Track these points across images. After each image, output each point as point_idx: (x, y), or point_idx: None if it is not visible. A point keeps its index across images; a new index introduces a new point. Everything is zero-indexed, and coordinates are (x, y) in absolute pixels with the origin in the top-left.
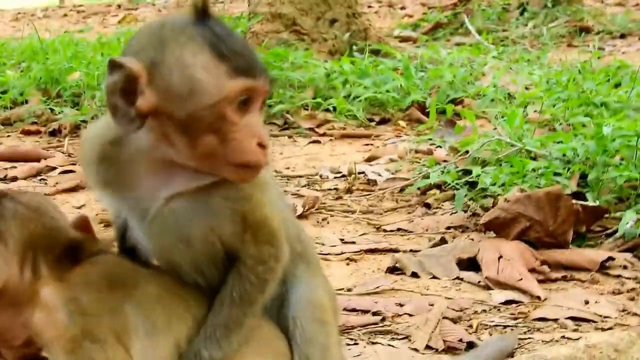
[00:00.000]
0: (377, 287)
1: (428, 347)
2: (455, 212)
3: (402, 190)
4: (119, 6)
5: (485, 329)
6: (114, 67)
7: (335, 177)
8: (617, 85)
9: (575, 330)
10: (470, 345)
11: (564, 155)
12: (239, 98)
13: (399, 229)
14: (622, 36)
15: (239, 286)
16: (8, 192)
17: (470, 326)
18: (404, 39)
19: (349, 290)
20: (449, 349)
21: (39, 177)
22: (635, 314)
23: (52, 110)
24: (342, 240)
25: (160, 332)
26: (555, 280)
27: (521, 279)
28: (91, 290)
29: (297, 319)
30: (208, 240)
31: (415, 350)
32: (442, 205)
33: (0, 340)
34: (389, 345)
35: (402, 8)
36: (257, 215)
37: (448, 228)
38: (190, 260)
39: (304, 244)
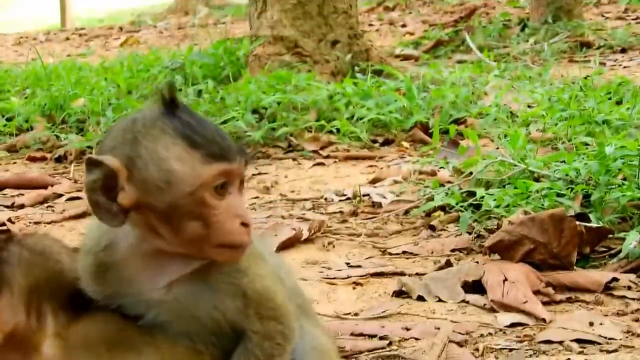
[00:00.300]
0: (384, 311)
1: None
2: (460, 235)
3: (406, 212)
4: (121, 29)
5: (492, 352)
6: (92, 165)
7: (340, 200)
8: (619, 103)
9: (580, 353)
10: None
11: (566, 175)
12: (215, 182)
13: (404, 252)
14: (623, 50)
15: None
16: (15, 236)
17: (477, 349)
18: (406, 57)
19: (356, 314)
20: None
21: (46, 205)
22: (639, 335)
23: (57, 136)
24: (348, 264)
25: None
26: (560, 302)
27: (526, 301)
28: (89, 355)
29: None
30: (214, 319)
31: None
32: (447, 227)
33: None
34: None
35: (403, 26)
36: (258, 288)
37: (453, 250)
38: (200, 337)
39: (302, 297)
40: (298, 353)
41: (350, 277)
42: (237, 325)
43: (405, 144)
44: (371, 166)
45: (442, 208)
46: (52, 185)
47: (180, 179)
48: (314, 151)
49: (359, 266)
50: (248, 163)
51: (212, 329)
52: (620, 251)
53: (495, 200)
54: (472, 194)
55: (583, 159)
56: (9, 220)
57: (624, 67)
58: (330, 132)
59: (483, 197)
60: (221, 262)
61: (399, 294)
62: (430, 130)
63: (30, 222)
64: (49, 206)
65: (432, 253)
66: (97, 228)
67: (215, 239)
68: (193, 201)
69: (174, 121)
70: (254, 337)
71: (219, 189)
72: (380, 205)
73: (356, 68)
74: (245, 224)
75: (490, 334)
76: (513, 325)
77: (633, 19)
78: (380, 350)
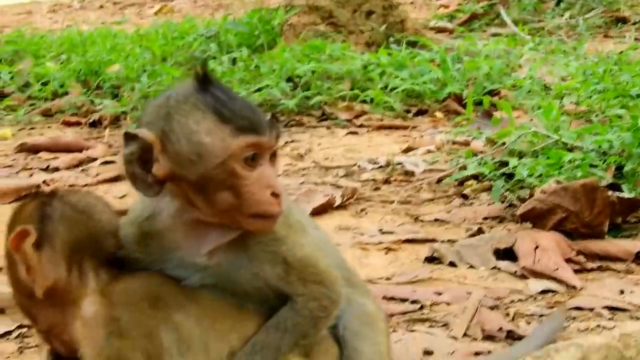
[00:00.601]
0: (415, 277)
1: (466, 335)
2: (492, 203)
3: (439, 181)
4: None
5: (522, 317)
6: (129, 138)
7: (373, 168)
8: None
9: (610, 319)
10: (511, 334)
11: (600, 147)
12: (245, 154)
13: (436, 220)
14: None
15: (291, 319)
16: (58, 192)
17: (507, 315)
18: (440, 30)
19: (388, 279)
20: (488, 337)
21: (80, 168)
22: None
23: (92, 101)
24: (380, 230)
25: (196, 353)
26: (591, 270)
27: (557, 268)
28: (131, 310)
29: (348, 326)
30: (256, 286)
31: (454, 338)
32: (479, 196)
33: (52, 335)
34: (428, 332)
35: None
36: (298, 255)
37: (485, 218)
38: (244, 298)
39: (349, 272)
40: (345, 320)
41: (383, 243)
42: (280, 290)
43: (439, 114)
44: (404, 136)
45: (475, 177)
46: (86, 149)
47: (210, 151)
48: (348, 120)
49: (391, 232)
50: (279, 136)
51: (255, 292)
52: None
53: (527, 170)
54: (504, 163)
55: (616, 131)
56: (44, 182)
57: None
58: (364, 101)
59: (516, 166)
60: (257, 232)
61: (431, 260)
62: (464, 102)
63: (64, 185)
64: (83, 170)
65: (464, 221)
66: (141, 200)
67: (246, 209)
68: (223, 172)
69: (206, 96)
70: (299, 300)
71: (249, 161)
72: (412, 173)
73: (390, 39)
74: (275, 195)
75: (521, 300)
76: (544, 292)
77: None
78: (411, 314)
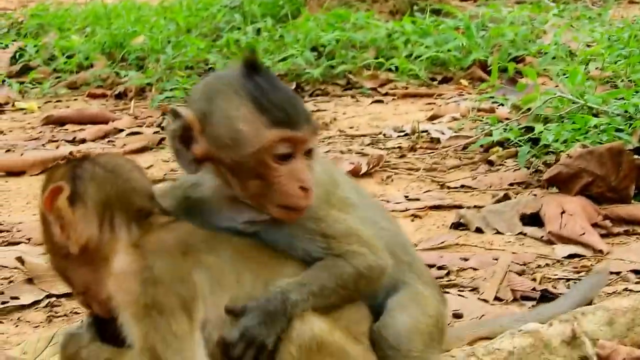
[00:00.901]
0: (442, 242)
1: (497, 298)
2: (518, 169)
3: (465, 148)
4: None
5: (549, 281)
6: (174, 115)
7: (398, 136)
8: None
9: (637, 283)
10: (542, 297)
11: (625, 111)
12: (277, 147)
13: (462, 186)
14: None
15: (339, 267)
16: (89, 155)
17: (534, 279)
18: None
19: (415, 245)
20: (517, 300)
21: (107, 139)
22: None
23: (117, 73)
24: (406, 197)
25: (227, 289)
26: (618, 234)
27: (584, 233)
28: (164, 257)
29: (395, 299)
30: (294, 254)
31: (485, 301)
32: (505, 162)
33: (89, 297)
34: (459, 295)
35: None
36: (338, 228)
37: (511, 184)
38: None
39: (412, 256)
40: (393, 300)
41: (409, 209)
42: (322, 256)
43: (464, 81)
44: (429, 103)
45: (500, 143)
46: (112, 121)
47: (244, 140)
48: (373, 88)
49: (418, 199)
50: (317, 133)
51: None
52: None
53: (553, 135)
54: (530, 129)
55: None
56: (71, 154)
57: None
58: (389, 70)
59: (541, 132)
60: (284, 221)
61: (457, 226)
62: (489, 68)
63: None
64: (110, 141)
65: (490, 187)
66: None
67: (274, 199)
68: (256, 162)
69: (249, 84)
70: (346, 256)
71: (283, 154)
72: (438, 140)
73: (415, 7)
74: (304, 189)
75: (547, 264)
76: (570, 256)
77: None
78: (439, 280)
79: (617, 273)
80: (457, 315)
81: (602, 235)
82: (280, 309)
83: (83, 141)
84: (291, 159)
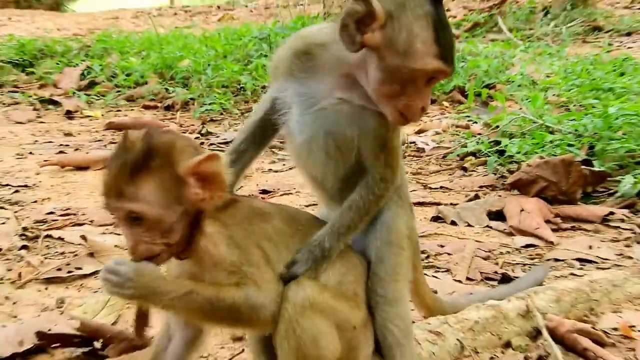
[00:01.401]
0: (423, 232)
1: (468, 278)
2: (486, 175)
3: (444, 156)
4: (219, 7)
5: (509, 266)
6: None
7: None
8: (622, 74)
9: (580, 269)
10: (505, 277)
11: (576, 130)
12: (433, 74)
13: (441, 187)
14: (629, 34)
15: (365, 196)
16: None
17: (497, 264)
18: None
19: None
20: (486, 279)
21: None
22: (629, 257)
23: (166, 89)
24: None
25: (283, 257)
26: (566, 229)
27: (538, 227)
28: (240, 229)
29: (377, 238)
30: (352, 146)
31: (458, 281)
32: (477, 169)
33: (171, 247)
34: (434, 276)
35: (447, 10)
36: (394, 144)
37: (481, 187)
38: (328, 153)
39: (403, 180)
40: (374, 225)
41: None
42: (366, 160)
43: (446, 103)
44: None
45: (473, 154)
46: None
47: (415, 57)
48: None
49: None
50: (453, 73)
51: (342, 151)
52: (616, 191)
53: (516, 148)
54: (497, 143)
55: (590, 117)
56: None
57: (628, 47)
58: None
59: (507, 145)
60: (383, 116)
61: (436, 219)
62: (466, 93)
63: None
64: None
65: (463, 188)
66: (320, 32)
67: (400, 105)
68: (411, 75)
69: (435, 14)
70: (376, 177)
71: (429, 79)
72: (423, 150)
73: None
74: (423, 109)
75: (508, 252)
76: (527, 246)
77: (638, 8)
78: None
79: (564, 260)
80: (432, 291)
81: (553, 230)
82: (320, 254)
83: None
84: (429, 85)
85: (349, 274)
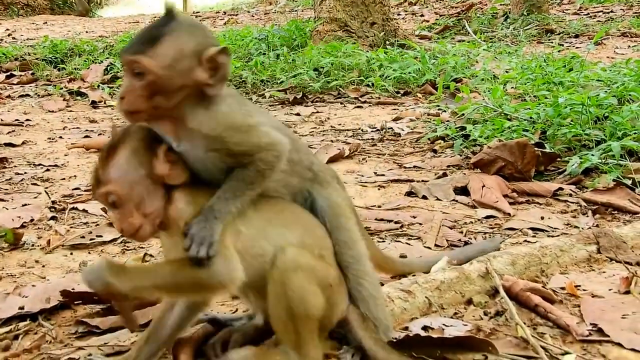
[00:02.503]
0: (398, 205)
1: (436, 245)
2: (453, 156)
3: (417, 140)
4: (225, 13)
5: (472, 234)
6: None
7: (372, 131)
8: (571, 70)
9: (533, 237)
10: (467, 244)
11: (530, 117)
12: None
13: (414, 166)
14: (577, 36)
15: (244, 174)
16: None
17: (462, 232)
18: (422, 37)
19: (379, 206)
20: (452, 246)
21: None
22: (575, 227)
23: None
24: (375, 173)
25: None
26: (521, 202)
27: (497, 201)
28: (206, 197)
29: (324, 215)
30: (216, 163)
31: (428, 247)
32: (445, 150)
33: (147, 218)
34: (407, 243)
35: (421, 15)
36: (248, 139)
37: (448, 166)
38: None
39: (314, 172)
40: (316, 208)
41: (377, 182)
42: (232, 163)
43: (419, 94)
44: (395, 109)
45: (442, 138)
46: None
47: None
48: (355, 98)
49: (383, 175)
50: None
51: (216, 166)
52: (565, 170)
53: (479, 132)
54: (463, 128)
55: (542, 106)
56: None
57: (576, 47)
58: (367, 85)
59: (471, 130)
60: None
61: (410, 194)
62: (437, 86)
63: None
64: None
65: (433, 167)
66: None
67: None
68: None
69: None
70: (250, 166)
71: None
72: (399, 135)
73: (387, 42)
74: (121, 97)
75: (471, 222)
76: (487, 217)
77: (585, 14)
78: (395, 230)
79: (520, 229)
80: (402, 256)
81: (510, 203)
82: (210, 217)
83: None
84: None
85: (308, 235)
